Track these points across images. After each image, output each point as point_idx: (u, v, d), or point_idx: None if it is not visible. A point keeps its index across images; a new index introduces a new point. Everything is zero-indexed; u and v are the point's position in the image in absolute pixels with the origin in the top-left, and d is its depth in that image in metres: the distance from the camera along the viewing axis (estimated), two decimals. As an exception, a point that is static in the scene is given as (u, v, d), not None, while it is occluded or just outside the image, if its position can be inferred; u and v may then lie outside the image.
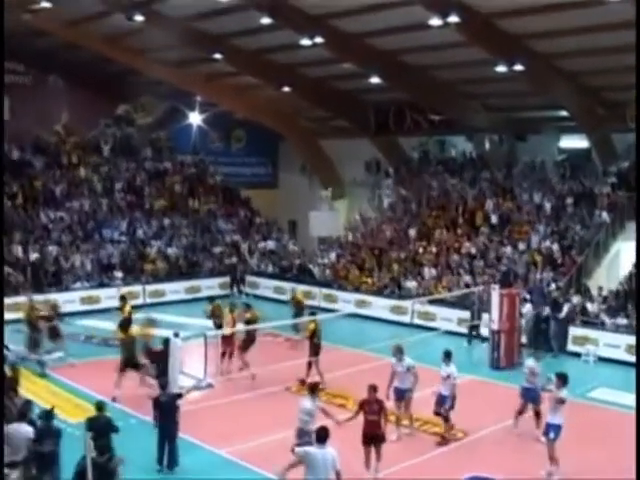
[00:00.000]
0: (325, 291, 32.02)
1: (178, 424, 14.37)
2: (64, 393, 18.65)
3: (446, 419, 16.00)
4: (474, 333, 25.56)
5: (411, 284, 29.83)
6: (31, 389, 17.72)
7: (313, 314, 21.92)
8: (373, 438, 13.84)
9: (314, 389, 14.14)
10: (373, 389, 13.95)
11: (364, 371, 20.41)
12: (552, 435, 14.00)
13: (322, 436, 10.81)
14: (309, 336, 20.49)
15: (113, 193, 37.12)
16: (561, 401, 13.98)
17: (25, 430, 11.86)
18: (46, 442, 11.79)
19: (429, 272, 30.17)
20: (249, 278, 34.86)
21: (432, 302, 26.78)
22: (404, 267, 31.17)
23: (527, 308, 24.75)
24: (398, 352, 16.43)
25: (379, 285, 30.81)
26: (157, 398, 14.76)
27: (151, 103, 40.94)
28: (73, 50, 34.84)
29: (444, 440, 15.92)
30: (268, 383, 19.68)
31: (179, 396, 14.70)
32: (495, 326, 22.56)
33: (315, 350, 20.22)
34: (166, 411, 14.34)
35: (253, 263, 36.41)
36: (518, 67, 26.76)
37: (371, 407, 13.84)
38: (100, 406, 12.98)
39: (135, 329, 19.57)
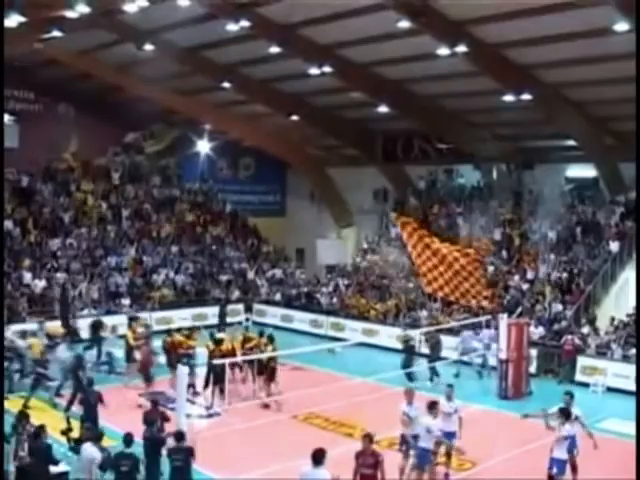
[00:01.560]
0: (332, 319, 31.94)
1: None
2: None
3: (449, 455, 15.44)
4: (481, 363, 25.39)
5: (421, 313, 29.72)
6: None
7: (270, 336, 21.51)
8: None
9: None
10: (369, 439, 12.33)
11: (372, 401, 20.38)
12: (555, 470, 13.88)
13: (318, 457, 10.74)
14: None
15: (121, 220, 37.27)
16: (564, 438, 13.88)
17: (89, 452, 12.67)
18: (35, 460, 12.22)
19: (434, 302, 30.07)
20: (257, 306, 34.79)
21: (439, 331, 26.60)
22: (412, 296, 31.10)
23: (538, 334, 24.78)
24: (449, 391, 15.85)
25: (386, 313, 30.68)
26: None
27: (160, 131, 41.10)
28: (83, 79, 35.19)
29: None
30: (275, 411, 19.61)
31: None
32: (503, 355, 22.45)
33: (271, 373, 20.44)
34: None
35: (263, 291, 36.38)
36: (526, 96, 26.90)
37: (365, 460, 12.11)
38: (127, 440, 12.59)
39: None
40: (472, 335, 25.48)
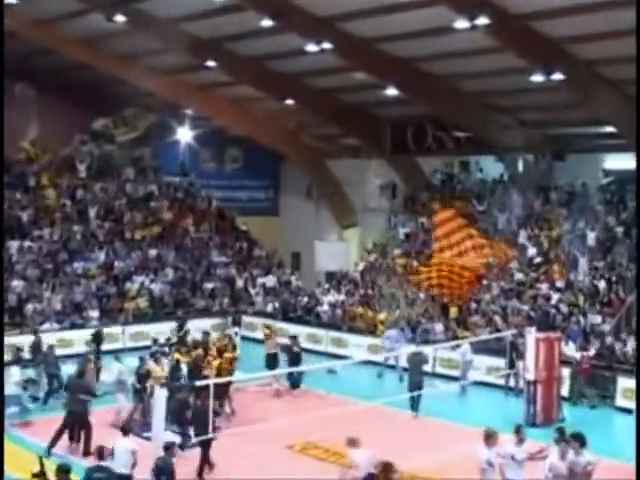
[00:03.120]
0: (333, 334, 31.78)
1: None
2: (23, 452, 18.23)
3: None
4: (511, 385, 25.47)
5: (437, 326, 29.59)
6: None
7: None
8: None
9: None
10: (388, 469, 11.87)
11: (380, 429, 20.17)
12: None
13: None
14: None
15: (89, 220, 37.09)
16: (587, 474, 13.61)
17: (129, 445, 14.87)
18: None
19: (455, 313, 29.97)
20: (246, 319, 34.62)
21: (456, 348, 26.62)
22: (425, 307, 30.98)
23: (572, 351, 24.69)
24: (578, 440, 13.93)
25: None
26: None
27: (134, 117, 41.00)
28: (45, 54, 35.01)
29: None
30: (267, 440, 19.41)
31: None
32: (530, 376, 22.27)
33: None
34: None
35: (255, 302, 36.31)
36: (557, 76, 26.67)
37: None
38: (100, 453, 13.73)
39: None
40: (399, 333, 27.82)
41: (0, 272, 27.39)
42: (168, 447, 14.50)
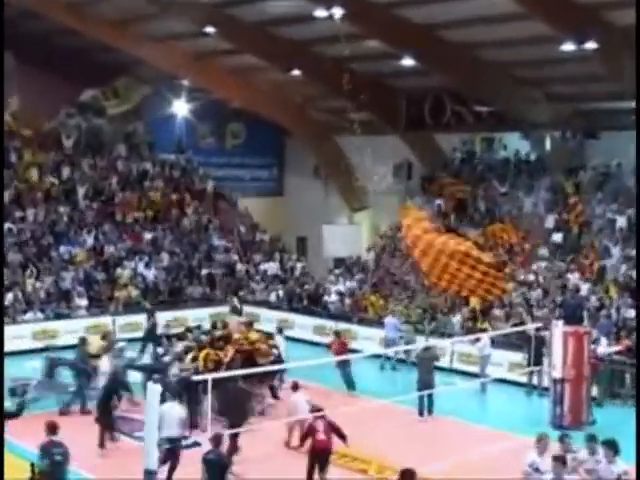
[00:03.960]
0: (342, 326, 31.67)
1: None
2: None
3: None
4: (533, 383, 25.38)
5: (455, 319, 29.52)
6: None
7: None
8: None
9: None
10: (409, 477, 11.50)
11: (392, 428, 20.17)
12: None
13: None
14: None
15: (76, 200, 37.07)
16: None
17: (177, 410, 16.96)
18: None
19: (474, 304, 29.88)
20: (247, 309, 34.54)
21: (476, 342, 26.56)
22: (443, 298, 30.90)
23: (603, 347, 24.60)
24: (612, 448, 13.82)
25: (412, 321, 30.52)
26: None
27: (126, 88, 40.74)
28: (27, 19, 34.76)
29: None
30: (268, 440, 19.38)
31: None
32: (557, 374, 22.15)
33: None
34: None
35: (256, 290, 36.30)
36: (590, 45, 26.42)
37: None
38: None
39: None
40: (396, 323, 28.51)
41: (0, 272, 27.59)
42: (216, 439, 15.13)
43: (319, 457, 16.60)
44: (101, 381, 21.03)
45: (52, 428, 14.44)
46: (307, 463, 16.59)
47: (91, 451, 18.65)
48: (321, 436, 16.60)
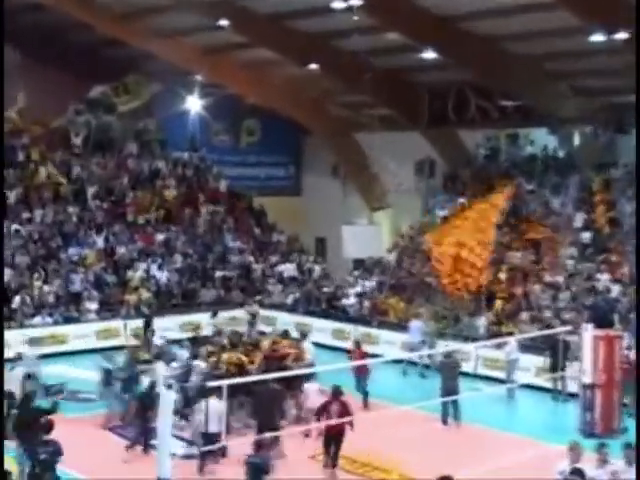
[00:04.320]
0: (362, 329, 31.68)
1: None
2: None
3: None
4: (558, 388, 25.31)
5: (479, 322, 29.46)
6: None
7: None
8: None
9: None
10: None
11: (412, 435, 20.12)
12: None
13: None
14: None
15: (86, 200, 37.14)
16: None
17: (218, 406, 17.65)
18: None
19: (500, 306, 29.82)
20: (263, 312, 34.53)
21: (501, 346, 26.50)
22: (468, 300, 30.85)
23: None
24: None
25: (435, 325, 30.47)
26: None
27: (137, 83, 40.98)
28: (34, 11, 34.85)
29: None
30: (286, 449, 19.33)
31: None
32: (588, 379, 22.04)
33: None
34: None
35: (273, 293, 36.38)
36: (621, 35, 26.29)
37: None
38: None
39: None
40: (421, 326, 28.56)
41: (0, 272, 27.63)
42: (261, 443, 16.28)
43: (333, 439, 17.72)
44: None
45: (45, 427, 15.13)
46: (322, 444, 17.94)
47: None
48: (334, 418, 17.62)
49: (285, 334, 25.00)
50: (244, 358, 21.78)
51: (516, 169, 37.17)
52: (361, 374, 23.95)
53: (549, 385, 25.54)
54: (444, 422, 22.37)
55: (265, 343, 23.56)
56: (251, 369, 21.47)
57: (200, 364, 21.45)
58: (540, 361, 26.21)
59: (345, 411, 17.72)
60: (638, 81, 23.10)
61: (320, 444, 18.27)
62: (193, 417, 19.07)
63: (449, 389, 22.48)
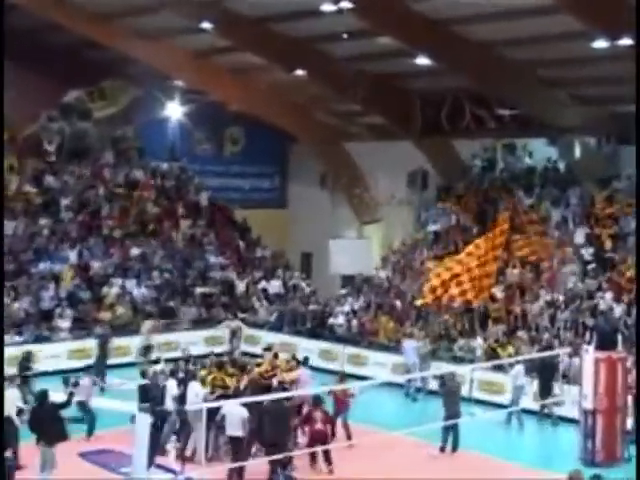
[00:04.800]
0: (350, 350, 31.65)
1: None
2: None
3: None
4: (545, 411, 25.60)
5: (475, 342, 29.45)
6: None
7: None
8: None
9: None
10: None
11: (408, 464, 20.11)
12: None
13: None
14: None
15: (58, 212, 37.01)
16: None
17: (239, 410, 18.62)
18: None
19: (495, 327, 29.79)
20: (246, 331, 34.49)
21: (497, 368, 26.68)
22: (461, 320, 30.83)
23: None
24: None
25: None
26: None
27: (114, 88, 40.80)
28: (8, 12, 34.72)
29: None
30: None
31: None
32: (588, 404, 21.99)
33: None
34: None
35: (259, 311, 36.29)
36: (625, 41, 26.33)
37: None
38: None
39: None
40: (417, 346, 28.62)
41: (0, 272, 27.55)
42: (286, 463, 17.41)
43: (319, 443, 19.36)
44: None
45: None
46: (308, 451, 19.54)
47: None
48: (319, 426, 19.40)
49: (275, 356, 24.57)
50: (229, 381, 21.52)
51: (514, 181, 37.19)
52: (341, 408, 23.13)
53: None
54: (442, 450, 22.27)
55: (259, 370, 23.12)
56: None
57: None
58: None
59: (327, 418, 19.79)
60: (638, 83, 23.25)
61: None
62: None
63: (452, 415, 22.35)
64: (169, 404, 20.88)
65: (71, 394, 18.59)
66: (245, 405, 19.01)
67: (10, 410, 19.08)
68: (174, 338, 32.85)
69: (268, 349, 25.69)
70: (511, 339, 28.98)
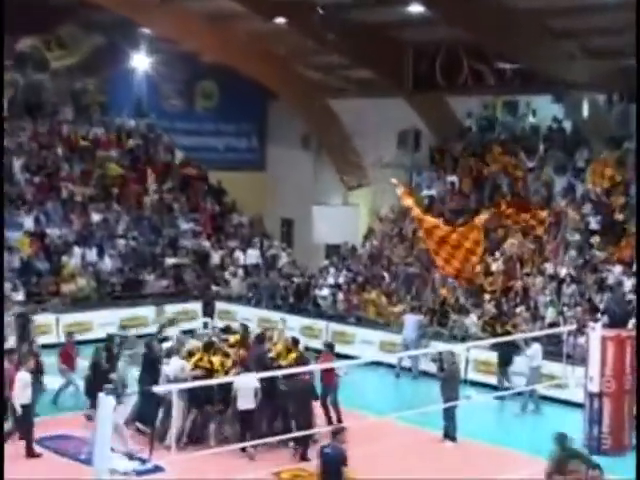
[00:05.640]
0: (335, 327, 31.80)
1: None
2: None
3: None
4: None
5: (469, 319, 29.55)
6: None
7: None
8: None
9: None
10: None
11: (394, 449, 20.34)
12: None
13: None
14: None
15: (12, 174, 36.86)
16: None
17: (251, 380, 19.65)
18: None
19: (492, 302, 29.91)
20: (221, 306, 34.57)
21: (496, 347, 26.67)
22: (456, 293, 30.90)
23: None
24: None
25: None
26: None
27: (73, 36, 40.65)
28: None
29: None
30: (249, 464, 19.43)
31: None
32: (595, 387, 22.08)
33: None
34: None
35: (234, 284, 36.39)
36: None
37: None
38: None
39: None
40: (419, 320, 29.17)
41: (0, 269, 28.00)
42: (336, 432, 16.29)
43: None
44: None
45: None
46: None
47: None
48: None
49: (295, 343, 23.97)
50: (216, 361, 21.52)
51: (515, 143, 37.17)
52: (329, 386, 23.25)
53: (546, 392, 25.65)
54: (446, 436, 22.37)
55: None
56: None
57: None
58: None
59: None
60: (638, 83, 23.00)
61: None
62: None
63: (450, 399, 22.36)
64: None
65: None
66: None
67: None
68: (140, 312, 32.98)
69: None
70: (510, 316, 29.09)
